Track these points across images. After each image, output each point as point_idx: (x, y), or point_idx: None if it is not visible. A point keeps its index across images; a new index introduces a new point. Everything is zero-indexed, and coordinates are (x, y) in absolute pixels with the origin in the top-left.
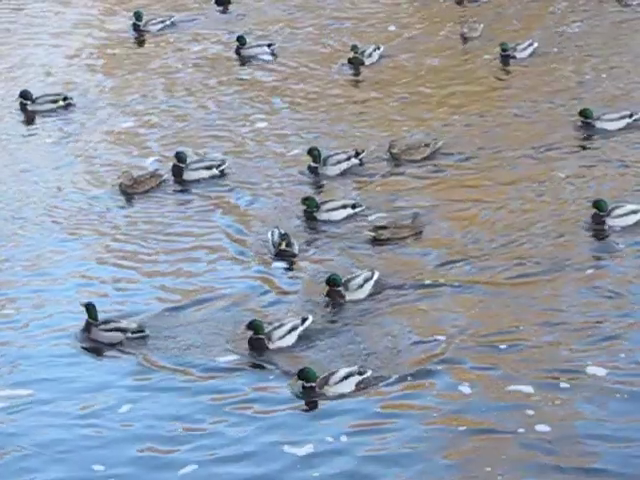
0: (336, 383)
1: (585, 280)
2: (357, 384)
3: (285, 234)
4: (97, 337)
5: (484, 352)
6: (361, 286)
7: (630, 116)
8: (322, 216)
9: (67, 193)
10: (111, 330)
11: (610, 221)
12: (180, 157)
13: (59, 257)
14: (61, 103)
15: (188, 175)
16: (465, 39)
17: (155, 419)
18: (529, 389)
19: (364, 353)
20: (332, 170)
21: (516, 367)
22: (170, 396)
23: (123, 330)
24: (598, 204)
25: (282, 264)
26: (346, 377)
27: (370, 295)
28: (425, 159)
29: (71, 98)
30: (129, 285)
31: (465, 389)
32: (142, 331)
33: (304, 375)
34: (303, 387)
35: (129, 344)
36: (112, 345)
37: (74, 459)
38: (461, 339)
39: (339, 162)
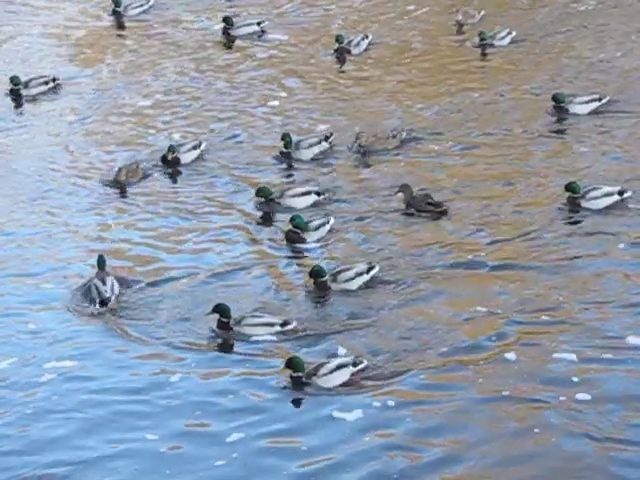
0: (325, 374)
1: (615, 257)
2: (351, 375)
3: (296, 216)
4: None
5: (528, 325)
6: (351, 279)
7: (599, 99)
8: (286, 202)
9: (70, 176)
10: (89, 286)
11: (585, 203)
12: (174, 149)
13: (76, 237)
14: (52, 85)
15: (185, 158)
16: (460, 26)
17: (201, 394)
18: (572, 357)
19: (408, 330)
20: (305, 154)
21: (560, 338)
22: (212, 373)
23: (95, 294)
24: (571, 186)
25: (294, 247)
26: (337, 368)
27: (367, 287)
28: (396, 148)
29: (59, 79)
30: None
31: (511, 356)
32: (105, 304)
33: (292, 364)
34: (291, 376)
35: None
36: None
37: (126, 429)
38: (504, 314)
39: (311, 145)
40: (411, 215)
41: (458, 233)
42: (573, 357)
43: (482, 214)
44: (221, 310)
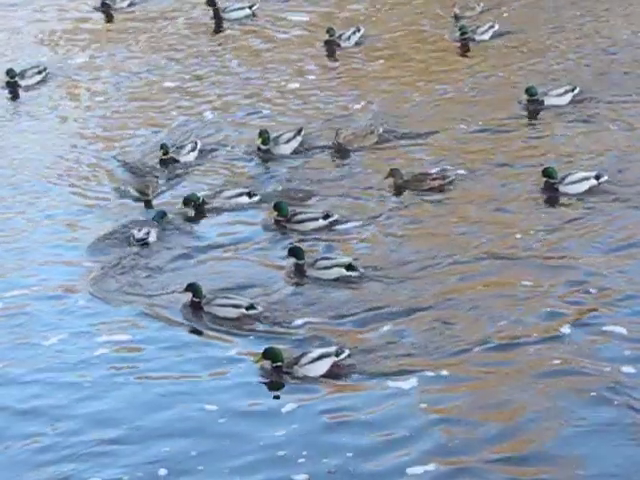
0: (307, 364)
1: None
2: (333, 365)
3: (279, 203)
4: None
5: (577, 303)
6: (327, 268)
7: (572, 90)
8: (217, 204)
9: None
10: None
11: (562, 188)
12: (167, 149)
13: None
14: (44, 74)
15: (186, 158)
16: (457, 19)
17: (252, 374)
18: (622, 330)
19: (460, 310)
20: (285, 149)
21: (608, 312)
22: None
23: (132, 240)
24: (548, 171)
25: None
26: (320, 358)
27: (337, 279)
28: (375, 144)
29: (47, 68)
30: None
31: (565, 330)
32: (142, 241)
33: (269, 355)
34: (272, 367)
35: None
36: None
37: (185, 400)
38: (555, 293)
39: (289, 140)
40: (401, 197)
41: (471, 220)
42: (623, 330)
43: (478, 204)
44: (194, 289)
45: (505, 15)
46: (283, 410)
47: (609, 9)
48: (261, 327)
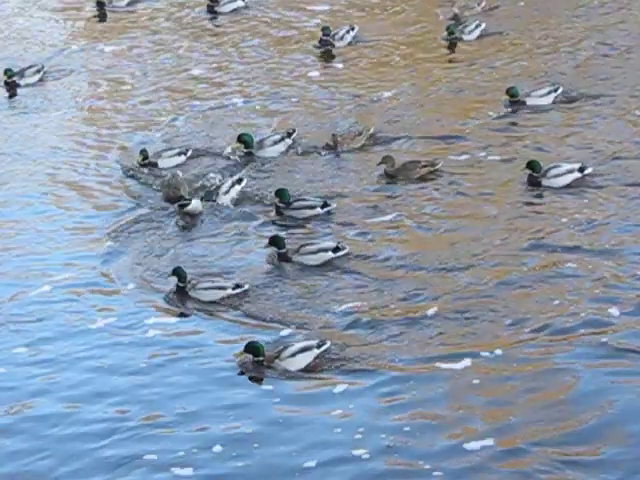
0: (288, 357)
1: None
2: (315, 357)
3: (281, 189)
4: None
5: (624, 287)
6: (314, 253)
7: (555, 90)
8: (222, 199)
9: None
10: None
11: (546, 182)
12: (146, 154)
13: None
14: (42, 73)
15: (163, 163)
16: (457, 19)
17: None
18: None
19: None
20: (271, 152)
21: None
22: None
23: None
24: (531, 165)
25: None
26: (302, 351)
27: (324, 264)
28: (363, 147)
29: (44, 66)
30: None
31: (614, 311)
32: (180, 199)
33: (250, 349)
34: (253, 361)
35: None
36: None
37: (238, 382)
38: (595, 279)
39: (276, 143)
40: (394, 185)
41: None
42: None
43: (473, 201)
44: (178, 274)
45: (503, 15)
46: (335, 391)
47: (607, 9)
48: (298, 318)
